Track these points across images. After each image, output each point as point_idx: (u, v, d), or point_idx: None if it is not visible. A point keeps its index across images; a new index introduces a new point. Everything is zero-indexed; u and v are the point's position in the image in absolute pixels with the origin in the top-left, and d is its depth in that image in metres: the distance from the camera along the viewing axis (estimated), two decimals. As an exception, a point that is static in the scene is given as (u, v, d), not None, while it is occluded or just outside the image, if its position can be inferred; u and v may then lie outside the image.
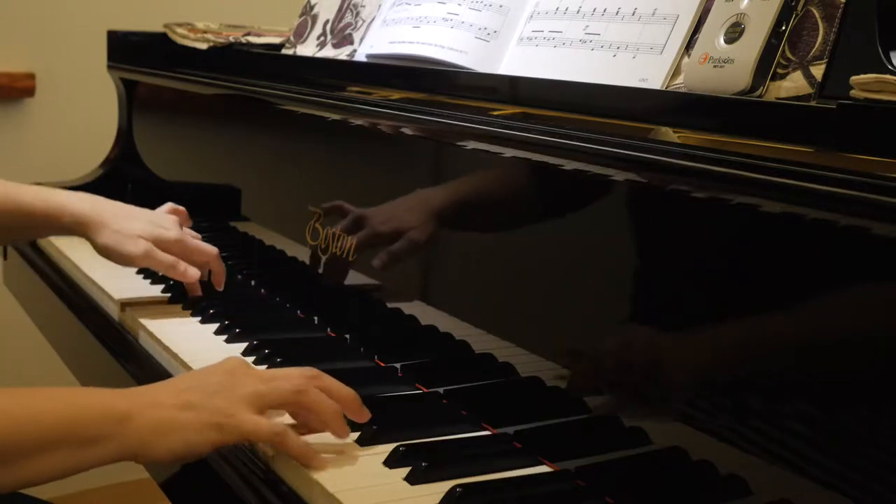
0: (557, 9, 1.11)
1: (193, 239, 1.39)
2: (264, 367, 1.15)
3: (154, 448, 0.87)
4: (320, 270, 1.33)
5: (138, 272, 1.52)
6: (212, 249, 1.39)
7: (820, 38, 0.83)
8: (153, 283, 1.48)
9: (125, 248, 1.31)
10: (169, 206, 1.45)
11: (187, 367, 1.16)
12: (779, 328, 0.77)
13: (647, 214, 0.89)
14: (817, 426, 0.74)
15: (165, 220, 1.39)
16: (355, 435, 0.97)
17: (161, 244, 1.34)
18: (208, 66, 1.66)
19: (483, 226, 1.10)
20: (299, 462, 0.91)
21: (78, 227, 1.35)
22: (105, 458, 0.87)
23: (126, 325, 1.36)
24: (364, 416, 0.97)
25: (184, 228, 1.41)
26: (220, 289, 1.39)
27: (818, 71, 0.81)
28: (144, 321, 1.31)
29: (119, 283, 1.45)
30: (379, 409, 1.03)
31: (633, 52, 1.00)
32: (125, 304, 1.37)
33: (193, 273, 1.35)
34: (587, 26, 1.06)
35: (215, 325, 1.29)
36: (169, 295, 1.43)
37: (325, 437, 0.97)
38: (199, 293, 1.39)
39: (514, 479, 0.91)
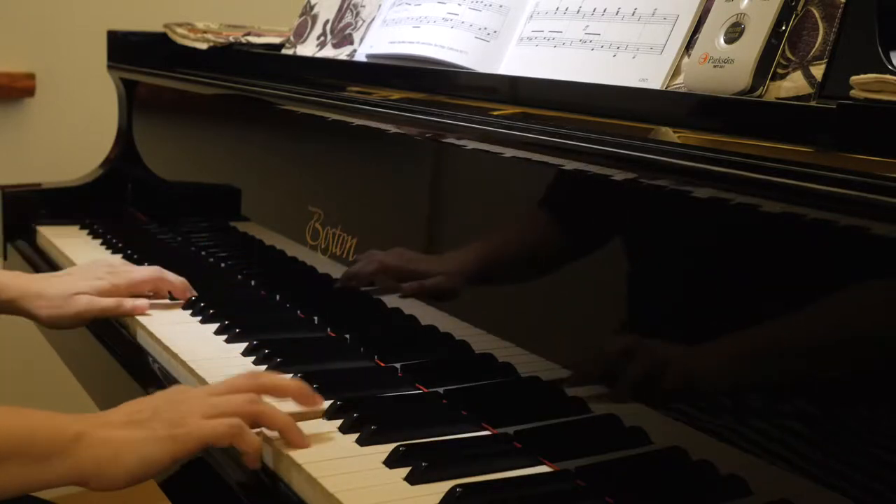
0: (557, 9, 1.11)
1: (128, 273, 1.38)
2: (264, 367, 1.15)
3: (110, 469, 0.87)
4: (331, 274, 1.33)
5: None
6: (150, 272, 1.39)
7: (820, 38, 0.83)
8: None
9: (65, 311, 1.31)
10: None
11: (187, 368, 1.16)
12: (779, 328, 0.77)
13: (648, 214, 0.89)
14: (817, 426, 0.74)
15: (95, 270, 1.39)
16: (355, 435, 0.97)
17: (102, 293, 1.34)
18: (208, 66, 1.66)
19: (483, 226, 1.10)
20: (255, 456, 0.92)
21: (14, 306, 1.33)
22: (57, 478, 0.86)
23: (126, 325, 1.36)
24: (317, 401, 0.99)
25: (117, 272, 1.39)
26: (185, 297, 1.39)
27: (818, 71, 0.81)
28: (144, 321, 1.31)
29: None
30: (379, 409, 1.03)
31: (633, 52, 1.00)
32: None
33: (142, 305, 1.34)
34: (587, 26, 1.06)
35: (215, 325, 1.29)
36: (169, 295, 1.43)
37: (326, 437, 0.97)
38: (189, 296, 1.39)
39: (514, 479, 0.91)
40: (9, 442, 0.85)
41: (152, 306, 1.36)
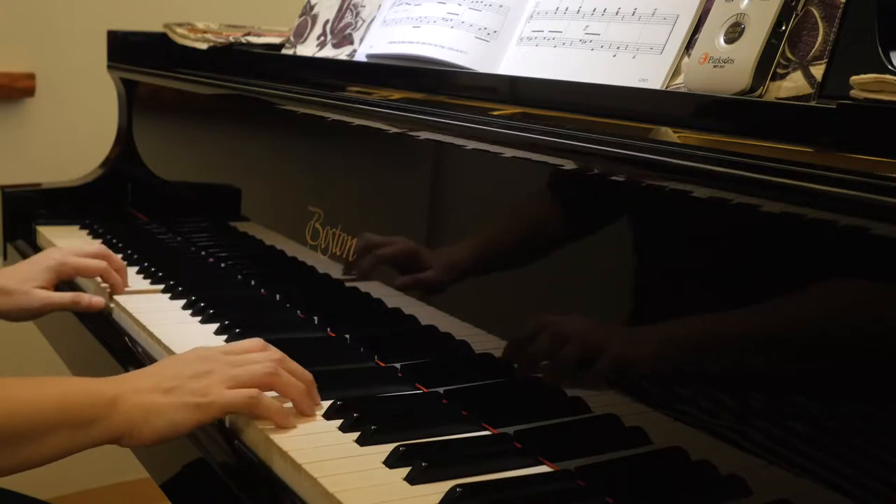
0: (557, 9, 1.11)
1: (77, 257, 1.43)
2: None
3: (141, 429, 0.94)
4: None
5: (138, 272, 1.53)
6: (98, 264, 1.42)
7: (820, 38, 0.83)
8: (153, 283, 1.48)
9: (22, 307, 1.36)
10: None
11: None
12: (779, 328, 0.77)
13: (648, 214, 0.89)
14: (817, 426, 0.74)
15: (45, 252, 1.44)
16: (355, 435, 0.97)
17: (50, 274, 1.39)
18: (208, 66, 1.66)
19: (483, 226, 1.10)
20: (274, 422, 0.98)
21: None
22: (96, 440, 0.94)
23: (126, 325, 1.36)
24: (316, 399, 1.04)
25: (66, 248, 1.45)
26: (121, 291, 1.42)
27: (818, 71, 0.81)
28: (145, 320, 1.31)
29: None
30: (379, 409, 1.03)
31: (633, 52, 1.00)
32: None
33: (98, 301, 1.40)
34: (587, 26, 1.06)
35: (215, 325, 1.29)
36: (169, 295, 1.43)
37: (327, 438, 0.97)
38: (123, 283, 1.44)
39: (514, 479, 0.91)
40: (54, 413, 0.92)
41: (148, 307, 1.37)
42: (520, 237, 1.06)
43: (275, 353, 1.04)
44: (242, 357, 1.03)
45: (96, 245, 1.48)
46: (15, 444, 0.90)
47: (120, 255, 1.65)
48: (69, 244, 1.72)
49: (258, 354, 1.04)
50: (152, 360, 1.25)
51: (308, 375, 1.04)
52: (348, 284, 1.29)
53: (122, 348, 1.31)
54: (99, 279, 1.44)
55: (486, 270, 1.09)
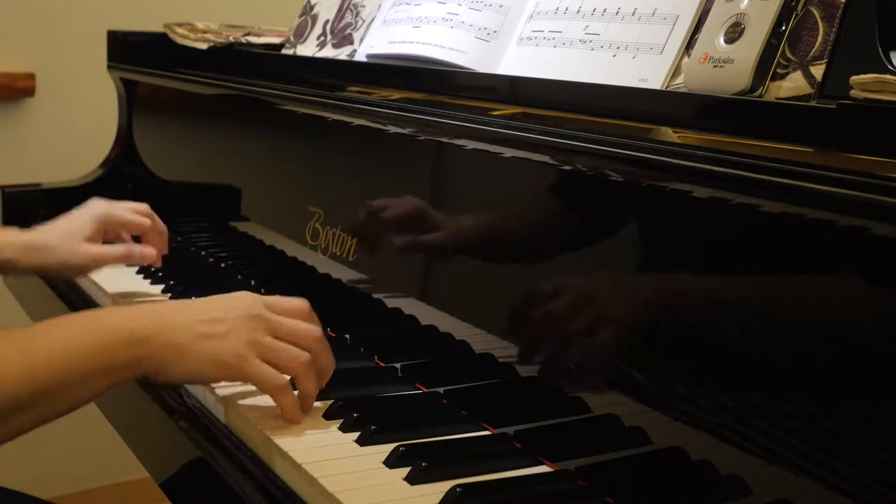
0: (557, 9, 1.11)
1: (123, 210, 1.41)
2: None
3: (170, 370, 0.95)
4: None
5: (138, 272, 1.52)
6: (144, 221, 1.42)
7: (820, 38, 0.83)
8: (153, 283, 1.48)
9: (72, 263, 1.35)
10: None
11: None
12: (779, 328, 0.77)
13: (647, 214, 0.89)
14: (817, 426, 0.74)
15: (88, 204, 1.41)
16: (355, 434, 0.97)
17: (96, 227, 1.37)
18: (208, 66, 1.66)
19: (483, 226, 1.10)
20: (286, 417, 0.98)
21: (20, 263, 1.34)
22: (129, 378, 0.95)
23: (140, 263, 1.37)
24: (301, 418, 1.01)
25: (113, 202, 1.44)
26: (157, 261, 1.42)
27: (818, 71, 0.81)
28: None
29: (119, 284, 1.45)
30: (379, 409, 1.03)
31: (633, 52, 1.00)
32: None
33: (150, 252, 1.39)
34: (587, 26, 1.06)
35: (215, 325, 1.29)
36: (169, 295, 1.43)
37: (327, 438, 0.97)
38: (158, 263, 1.44)
39: (514, 479, 0.91)
40: (94, 360, 0.92)
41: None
42: (519, 237, 1.06)
43: (317, 329, 1.03)
44: (284, 323, 1.01)
45: (142, 205, 1.46)
46: (56, 395, 0.90)
47: (120, 256, 1.66)
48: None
49: (300, 325, 1.02)
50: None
51: (331, 367, 1.03)
52: (348, 284, 1.29)
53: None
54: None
55: (486, 270, 1.09)
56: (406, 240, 1.19)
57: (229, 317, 0.98)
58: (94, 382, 0.93)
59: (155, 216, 1.45)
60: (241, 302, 1.01)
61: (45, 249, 1.34)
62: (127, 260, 1.38)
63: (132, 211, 1.42)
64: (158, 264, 1.43)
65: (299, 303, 1.05)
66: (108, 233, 1.41)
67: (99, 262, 1.36)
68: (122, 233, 1.43)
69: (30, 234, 1.37)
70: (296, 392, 1.00)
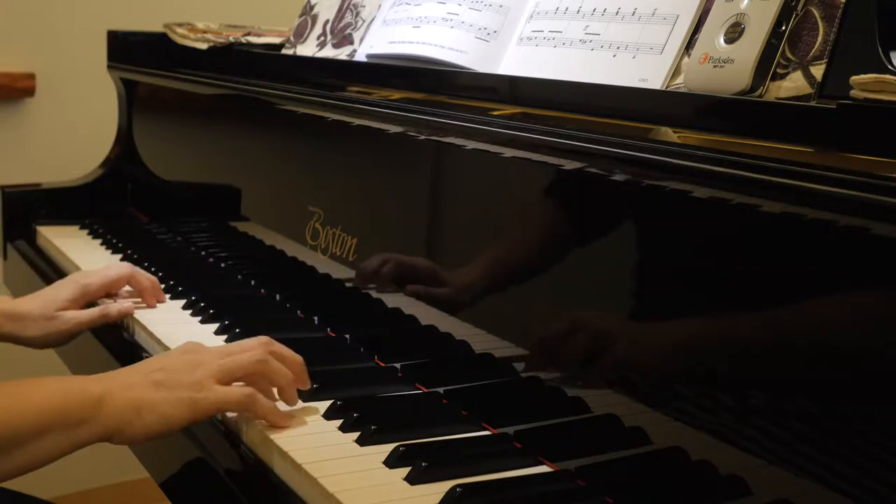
0: (557, 9, 1.11)
1: (100, 272, 1.38)
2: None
3: (132, 426, 0.93)
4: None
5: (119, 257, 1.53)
6: (121, 268, 1.39)
7: (820, 38, 0.83)
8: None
9: (52, 331, 1.31)
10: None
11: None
12: (779, 328, 0.77)
13: (647, 214, 0.89)
14: (817, 426, 0.74)
15: (66, 284, 1.37)
16: (355, 435, 0.97)
17: (78, 297, 1.34)
18: (208, 66, 1.66)
19: (483, 226, 1.10)
20: (268, 421, 0.97)
21: (8, 335, 1.31)
22: (86, 440, 0.92)
23: (126, 325, 1.36)
24: (306, 382, 1.04)
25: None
26: (152, 302, 1.39)
27: (818, 71, 0.81)
28: (144, 321, 1.31)
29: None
30: (379, 409, 1.03)
31: (633, 52, 1.00)
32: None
33: (127, 307, 1.35)
34: (587, 26, 1.06)
35: (215, 325, 1.29)
36: (169, 295, 1.43)
37: (327, 438, 0.97)
38: (156, 300, 1.39)
39: (514, 479, 0.91)
40: (49, 416, 0.91)
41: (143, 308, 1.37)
42: (519, 237, 1.06)
43: (261, 337, 1.03)
44: (232, 346, 1.03)
45: (123, 265, 1.43)
46: (10, 450, 0.88)
47: (120, 256, 1.66)
48: (72, 244, 1.72)
49: (248, 341, 1.03)
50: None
51: (298, 358, 1.03)
52: (348, 284, 1.29)
53: (121, 346, 1.31)
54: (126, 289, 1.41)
55: (486, 272, 1.09)
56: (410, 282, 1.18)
57: (177, 360, 0.99)
58: (45, 442, 0.90)
59: (137, 271, 1.41)
60: (185, 346, 1.03)
61: (22, 319, 1.30)
62: (105, 320, 1.33)
63: (111, 277, 1.38)
64: (155, 306, 1.39)
65: (257, 338, 1.04)
66: (89, 298, 1.37)
67: (76, 329, 1.32)
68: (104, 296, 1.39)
69: (9, 303, 1.33)
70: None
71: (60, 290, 1.34)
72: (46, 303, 1.32)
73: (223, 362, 0.99)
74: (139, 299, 1.39)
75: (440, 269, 1.13)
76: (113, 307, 1.34)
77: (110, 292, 1.39)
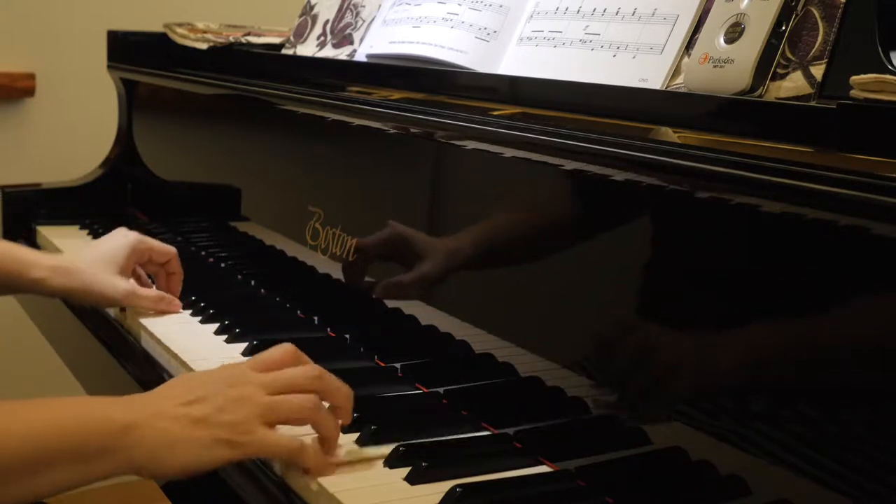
0: (557, 9, 1.11)
1: (151, 238, 1.38)
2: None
3: (163, 462, 0.84)
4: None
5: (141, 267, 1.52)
6: (171, 249, 1.38)
7: (820, 38, 0.83)
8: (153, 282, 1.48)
9: (107, 295, 1.29)
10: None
11: (187, 368, 1.16)
12: (779, 328, 0.77)
13: (647, 214, 0.89)
14: (817, 426, 0.74)
15: (117, 233, 1.38)
16: (355, 435, 0.97)
17: (130, 255, 1.32)
18: (208, 66, 1.66)
19: (483, 226, 1.10)
20: (313, 473, 0.89)
21: (49, 280, 1.27)
22: (107, 472, 0.84)
23: (126, 325, 1.35)
24: (348, 418, 0.95)
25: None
26: (176, 295, 1.38)
27: (818, 71, 0.81)
28: (144, 321, 1.31)
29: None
30: (379, 409, 1.03)
31: (633, 52, 1.00)
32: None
33: (178, 305, 1.34)
34: (587, 26, 1.06)
35: (215, 325, 1.29)
36: (169, 295, 1.43)
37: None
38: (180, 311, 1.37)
39: (514, 479, 0.91)
40: (58, 446, 0.81)
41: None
42: (519, 237, 1.06)
43: (312, 368, 0.93)
44: (277, 377, 0.91)
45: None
46: (5, 481, 0.79)
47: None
48: (72, 244, 1.72)
49: (295, 372, 0.92)
50: (151, 359, 1.25)
51: (347, 393, 0.94)
52: (348, 284, 1.29)
53: (121, 346, 1.31)
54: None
55: (486, 270, 1.09)
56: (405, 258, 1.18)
57: (218, 391, 0.88)
58: (56, 472, 0.81)
59: (177, 256, 1.40)
60: (225, 373, 0.92)
61: (73, 273, 1.28)
62: (156, 305, 1.31)
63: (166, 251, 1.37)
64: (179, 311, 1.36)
65: (284, 349, 0.95)
66: (139, 260, 1.36)
67: (130, 301, 1.30)
68: (150, 261, 1.38)
69: (59, 257, 1.33)
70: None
71: (114, 250, 1.32)
72: (101, 261, 1.30)
73: (270, 403, 0.88)
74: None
75: (440, 265, 1.13)
76: (167, 298, 1.33)
77: (157, 258, 1.37)
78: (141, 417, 0.84)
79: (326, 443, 0.91)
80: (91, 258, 1.31)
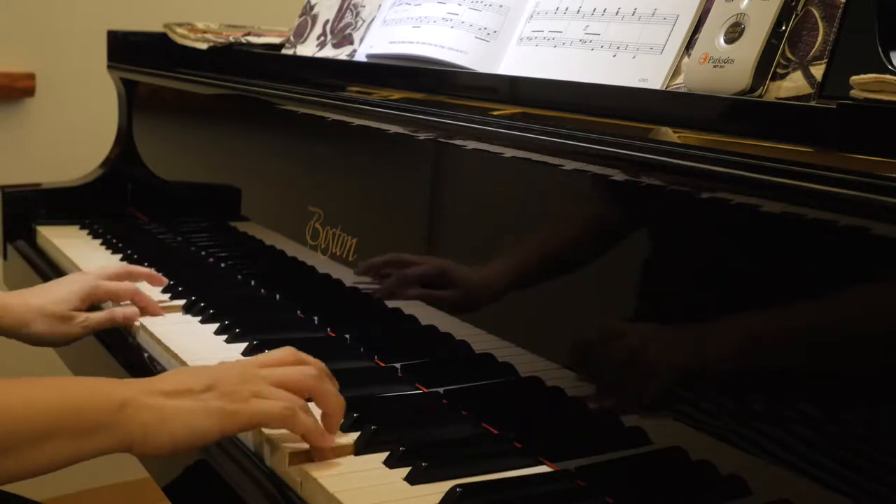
0: (557, 9, 1.11)
1: (108, 282, 1.35)
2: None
3: (157, 436, 0.85)
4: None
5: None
6: (129, 287, 1.36)
7: (820, 38, 0.83)
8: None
9: (61, 330, 1.28)
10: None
11: (187, 367, 1.16)
12: (779, 328, 0.77)
13: (647, 214, 0.89)
14: (817, 426, 0.74)
15: (76, 275, 1.37)
16: (355, 435, 0.97)
17: (87, 298, 1.31)
18: (208, 66, 1.66)
19: (483, 226, 1.10)
20: (308, 440, 0.91)
21: (10, 332, 1.27)
22: (104, 448, 0.85)
23: (126, 325, 1.36)
24: (334, 429, 0.94)
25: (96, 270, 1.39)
26: (161, 281, 1.41)
27: (818, 71, 0.81)
28: (144, 321, 1.31)
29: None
30: (379, 409, 1.03)
31: (633, 52, 1.00)
32: (125, 304, 1.37)
33: (132, 312, 1.32)
34: (587, 26, 1.06)
35: (215, 325, 1.29)
36: (169, 295, 1.43)
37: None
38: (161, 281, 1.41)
39: (514, 479, 0.91)
40: (57, 418, 0.83)
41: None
42: (519, 237, 1.06)
43: (310, 368, 0.95)
44: (275, 370, 0.94)
45: (119, 265, 1.43)
46: (5, 452, 0.81)
47: (119, 256, 1.66)
48: (72, 244, 1.72)
49: (293, 369, 0.95)
50: (151, 359, 1.25)
51: (339, 399, 0.95)
52: (348, 284, 1.29)
53: (121, 345, 1.31)
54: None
55: (486, 272, 1.09)
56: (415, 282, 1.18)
57: (214, 371, 0.91)
58: (57, 444, 0.82)
59: (132, 269, 1.40)
60: (225, 363, 0.96)
61: (32, 314, 1.27)
62: (111, 324, 1.31)
63: (113, 277, 1.36)
64: (161, 314, 1.36)
65: (285, 350, 0.98)
66: (95, 302, 1.35)
67: (86, 332, 1.30)
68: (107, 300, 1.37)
69: (18, 296, 1.30)
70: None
71: (71, 288, 1.31)
72: (58, 300, 1.28)
73: (271, 373, 0.91)
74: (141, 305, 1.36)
75: (442, 268, 1.13)
76: (118, 311, 1.32)
77: (115, 299, 1.36)
78: (135, 394, 0.86)
79: (328, 418, 0.93)
80: (48, 300, 1.29)
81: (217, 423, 0.87)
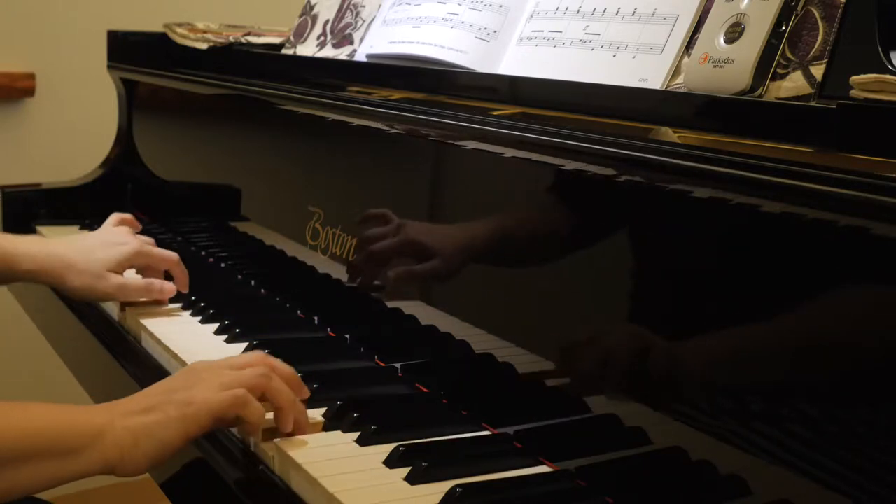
0: (557, 9, 1.11)
1: (151, 247, 1.38)
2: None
3: (132, 456, 0.89)
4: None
5: (138, 271, 1.52)
6: (172, 255, 1.39)
7: (820, 38, 0.83)
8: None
9: (98, 289, 1.31)
10: (115, 217, 1.45)
11: (187, 367, 1.16)
12: (779, 328, 0.77)
13: (648, 214, 0.89)
14: (817, 426, 0.74)
15: (118, 236, 1.38)
16: (355, 435, 0.97)
17: (125, 263, 1.34)
18: (208, 66, 1.66)
19: (483, 226, 1.10)
20: (255, 424, 0.94)
21: (39, 276, 1.31)
22: (84, 471, 0.88)
23: (126, 325, 1.36)
24: (305, 391, 1.01)
25: (137, 236, 1.41)
26: (185, 291, 1.39)
27: (818, 71, 0.81)
28: (144, 321, 1.31)
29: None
30: (379, 409, 1.03)
31: (633, 52, 1.00)
32: (125, 304, 1.37)
33: (170, 289, 1.35)
34: (587, 26, 1.06)
35: (215, 325, 1.29)
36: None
37: (327, 438, 0.97)
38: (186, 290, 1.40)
39: (514, 479, 0.91)
40: (38, 441, 0.86)
41: (153, 306, 1.37)
42: (519, 237, 1.06)
43: (260, 369, 0.98)
44: (236, 361, 0.99)
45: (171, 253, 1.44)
46: (6, 472, 0.84)
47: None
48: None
49: (244, 371, 0.98)
50: (151, 359, 1.25)
51: (290, 369, 1.00)
52: (348, 284, 1.29)
53: (121, 346, 1.31)
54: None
55: (486, 271, 1.09)
56: (406, 257, 1.18)
57: (175, 381, 0.96)
58: (38, 467, 0.85)
59: (179, 262, 1.41)
60: (189, 366, 1.01)
61: (63, 269, 1.30)
62: (147, 294, 1.34)
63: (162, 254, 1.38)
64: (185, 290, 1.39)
65: (254, 354, 1.03)
66: (136, 266, 1.38)
67: (123, 293, 1.32)
68: (149, 268, 1.39)
69: (50, 246, 1.33)
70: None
71: (111, 252, 1.33)
72: (96, 261, 1.31)
73: (223, 378, 0.95)
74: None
75: (441, 266, 1.13)
76: (156, 284, 1.34)
77: (158, 265, 1.38)
78: (111, 418, 0.89)
79: (280, 412, 0.96)
80: (85, 258, 1.32)
81: (180, 429, 0.91)
